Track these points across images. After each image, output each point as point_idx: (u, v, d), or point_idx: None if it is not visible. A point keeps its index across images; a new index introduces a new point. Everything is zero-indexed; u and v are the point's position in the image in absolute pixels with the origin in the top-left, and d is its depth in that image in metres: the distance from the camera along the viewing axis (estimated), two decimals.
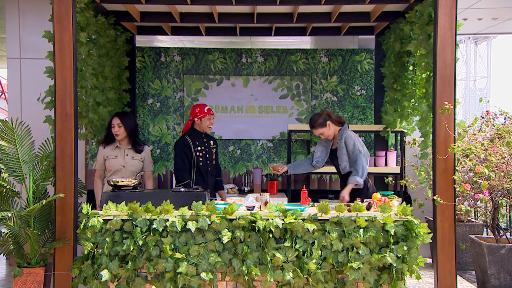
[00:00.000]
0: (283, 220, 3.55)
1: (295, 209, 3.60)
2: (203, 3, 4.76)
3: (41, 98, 4.58)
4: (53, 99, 4.08)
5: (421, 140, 4.96)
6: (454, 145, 3.96)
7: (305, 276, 3.51)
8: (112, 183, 3.99)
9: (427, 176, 5.11)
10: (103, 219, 3.60)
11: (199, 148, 4.80)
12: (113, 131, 4.68)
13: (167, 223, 3.53)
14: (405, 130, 5.70)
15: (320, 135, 4.55)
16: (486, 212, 4.94)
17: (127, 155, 4.73)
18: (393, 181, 5.79)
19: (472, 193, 4.29)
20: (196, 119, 4.85)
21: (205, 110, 4.84)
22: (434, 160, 4.04)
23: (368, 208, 3.73)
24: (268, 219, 3.55)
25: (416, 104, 5.21)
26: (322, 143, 4.72)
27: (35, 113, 5.42)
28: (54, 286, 3.90)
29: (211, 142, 5.00)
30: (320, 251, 3.53)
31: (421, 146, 4.81)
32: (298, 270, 3.50)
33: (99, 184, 4.78)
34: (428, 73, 4.76)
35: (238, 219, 3.54)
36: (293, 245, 3.52)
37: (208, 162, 4.86)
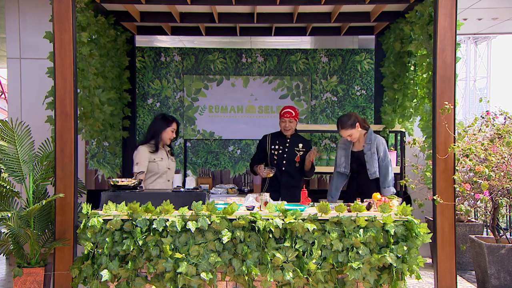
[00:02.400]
0: (283, 220, 3.55)
1: (295, 209, 3.60)
2: (203, 3, 4.76)
3: (44, 100, 4.56)
4: (53, 99, 4.08)
5: (421, 141, 4.96)
6: (454, 145, 3.96)
7: (305, 276, 3.51)
8: (112, 183, 3.98)
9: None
10: (103, 219, 3.60)
11: (276, 147, 4.90)
12: (171, 135, 4.57)
13: (167, 223, 3.53)
14: (405, 130, 5.70)
15: (347, 136, 4.53)
16: (486, 212, 4.94)
17: (169, 157, 4.65)
18: (394, 182, 5.78)
19: (472, 193, 4.28)
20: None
21: (281, 113, 4.90)
22: (434, 160, 4.04)
23: (368, 208, 3.73)
24: (268, 219, 3.54)
25: (418, 104, 5.20)
26: (342, 147, 4.71)
27: (35, 113, 5.42)
28: (54, 286, 3.89)
29: (300, 145, 4.90)
30: (320, 251, 3.53)
31: (424, 147, 4.79)
32: (298, 270, 3.50)
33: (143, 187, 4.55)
34: (429, 73, 4.76)
35: (238, 219, 3.54)
36: (293, 245, 3.52)
37: (284, 162, 4.86)
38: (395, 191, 4.55)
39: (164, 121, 4.57)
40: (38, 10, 5.89)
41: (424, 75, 5.01)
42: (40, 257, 3.96)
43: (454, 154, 4.00)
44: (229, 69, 6.47)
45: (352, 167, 4.65)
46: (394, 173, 5.71)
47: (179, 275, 3.48)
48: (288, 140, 4.92)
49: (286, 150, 4.89)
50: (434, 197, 3.96)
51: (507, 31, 7.64)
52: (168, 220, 3.55)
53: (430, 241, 3.63)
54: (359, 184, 4.61)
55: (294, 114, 4.86)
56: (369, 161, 4.52)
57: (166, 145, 4.66)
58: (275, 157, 4.89)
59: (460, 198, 4.51)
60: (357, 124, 4.49)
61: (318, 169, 5.97)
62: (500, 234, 4.69)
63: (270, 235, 3.54)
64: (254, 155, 5.12)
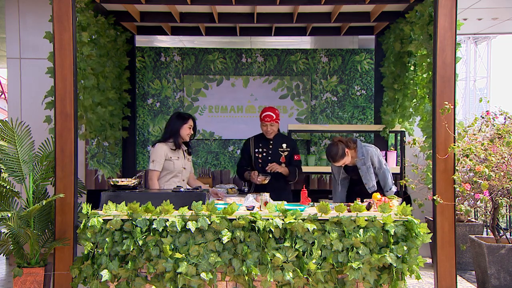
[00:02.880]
0: (283, 220, 3.55)
1: (295, 209, 3.60)
2: (203, 3, 4.76)
3: (43, 100, 4.56)
4: (53, 99, 4.08)
5: (421, 141, 4.95)
6: (454, 145, 3.96)
7: (305, 276, 3.51)
8: (112, 183, 3.98)
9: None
10: (103, 219, 3.60)
11: (259, 150, 4.83)
12: (189, 132, 4.56)
13: (167, 223, 3.53)
14: (405, 130, 5.70)
15: (342, 165, 4.48)
16: (486, 212, 4.94)
17: (185, 156, 4.63)
18: (393, 181, 5.78)
19: (472, 193, 4.28)
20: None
21: (261, 116, 4.77)
22: (434, 160, 4.04)
23: (368, 208, 3.73)
24: (268, 219, 3.54)
25: (418, 104, 5.20)
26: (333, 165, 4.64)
27: (35, 113, 5.42)
28: (54, 286, 3.90)
29: (284, 145, 4.81)
30: (320, 251, 3.52)
31: (424, 147, 4.78)
32: (298, 270, 3.50)
33: (157, 186, 4.51)
34: (429, 73, 4.76)
35: (238, 219, 3.54)
36: (293, 245, 3.52)
37: (269, 164, 4.74)
38: (396, 189, 4.56)
39: (180, 119, 4.56)
40: (38, 10, 5.89)
41: (424, 75, 5.01)
42: (40, 257, 3.96)
43: (454, 154, 4.00)
44: (229, 69, 6.47)
45: (352, 178, 4.64)
46: (394, 173, 5.74)
47: (179, 275, 3.48)
48: (271, 142, 4.85)
49: (270, 152, 4.83)
50: (434, 197, 3.96)
51: (507, 31, 7.64)
52: (168, 220, 3.55)
53: (430, 241, 3.62)
54: (361, 192, 4.55)
55: (275, 117, 4.73)
56: (365, 176, 4.47)
57: (184, 144, 4.65)
58: (260, 160, 4.83)
59: (460, 198, 4.51)
60: (346, 150, 4.39)
61: (318, 169, 5.98)
62: (500, 234, 4.69)
63: (270, 235, 3.54)
64: (239, 160, 5.04)
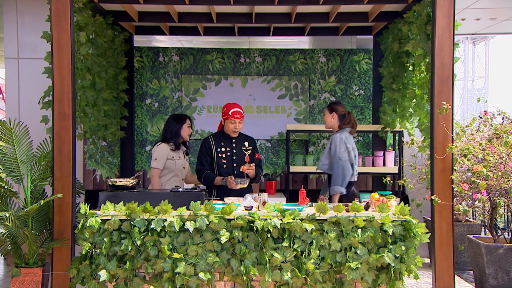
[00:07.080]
0: (281, 220, 3.55)
1: (293, 209, 3.60)
2: (201, 3, 4.76)
3: (40, 100, 4.55)
4: (51, 98, 4.08)
5: (420, 141, 4.95)
6: (452, 145, 3.96)
7: (303, 276, 3.51)
8: (110, 183, 3.98)
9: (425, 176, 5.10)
10: (101, 219, 3.60)
11: (222, 150, 4.54)
12: (189, 131, 4.73)
13: (165, 223, 3.53)
14: (404, 130, 5.70)
15: (324, 114, 4.68)
16: (484, 212, 4.95)
17: (184, 157, 4.79)
18: (391, 181, 5.79)
19: (470, 193, 4.29)
20: (222, 119, 4.57)
21: (230, 113, 4.46)
22: (432, 160, 4.05)
23: (366, 208, 3.73)
24: (266, 219, 3.55)
25: (417, 104, 5.19)
26: None
27: (33, 113, 5.41)
28: (52, 286, 3.89)
29: (246, 143, 4.61)
30: (318, 251, 3.53)
31: (423, 147, 4.78)
32: (296, 270, 3.50)
33: (159, 183, 4.59)
34: (428, 73, 4.75)
35: (236, 219, 3.54)
36: (291, 245, 3.52)
37: (235, 165, 4.52)
38: (342, 191, 4.38)
39: (178, 120, 4.74)
40: (36, 10, 5.88)
41: (422, 75, 5.01)
42: (38, 257, 3.96)
43: (452, 154, 4.01)
44: (227, 69, 6.47)
45: None
46: (392, 173, 5.75)
47: (177, 275, 3.48)
48: (234, 140, 4.59)
49: (234, 151, 4.55)
50: (432, 197, 3.96)
51: (505, 31, 7.64)
52: (166, 220, 3.55)
53: (428, 241, 3.63)
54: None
55: (243, 113, 4.51)
56: (322, 154, 4.61)
57: (183, 144, 4.82)
58: (224, 161, 4.53)
59: (458, 198, 4.52)
60: (334, 114, 4.56)
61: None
62: (498, 234, 4.70)
63: (268, 235, 3.54)
64: (200, 161, 4.60)
